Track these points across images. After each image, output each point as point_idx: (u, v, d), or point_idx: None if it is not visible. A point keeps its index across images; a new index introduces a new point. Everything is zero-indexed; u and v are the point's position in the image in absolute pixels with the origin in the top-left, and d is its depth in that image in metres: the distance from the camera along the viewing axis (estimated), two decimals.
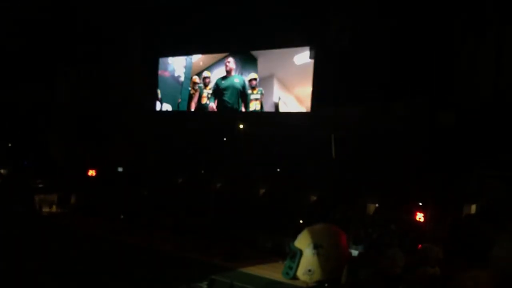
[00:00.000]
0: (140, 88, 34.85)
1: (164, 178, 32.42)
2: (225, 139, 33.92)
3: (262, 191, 29.70)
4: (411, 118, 25.73)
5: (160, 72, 34.24)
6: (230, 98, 31.14)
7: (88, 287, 16.96)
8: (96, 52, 34.03)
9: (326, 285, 17.92)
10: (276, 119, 30.99)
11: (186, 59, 33.37)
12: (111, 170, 32.74)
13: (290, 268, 19.25)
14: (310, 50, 28.37)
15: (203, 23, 31.27)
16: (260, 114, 30.23)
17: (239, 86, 30.80)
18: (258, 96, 30.23)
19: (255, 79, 30.18)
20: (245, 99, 30.52)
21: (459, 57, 24.78)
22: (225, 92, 31.35)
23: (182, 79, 33.51)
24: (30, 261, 19.68)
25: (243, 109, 30.72)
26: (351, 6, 27.40)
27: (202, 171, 31.54)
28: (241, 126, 30.81)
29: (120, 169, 33.44)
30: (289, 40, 28.80)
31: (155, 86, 33.82)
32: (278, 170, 30.29)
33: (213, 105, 31.92)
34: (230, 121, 32.09)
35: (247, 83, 30.45)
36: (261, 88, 30.10)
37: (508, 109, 22.73)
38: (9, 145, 33.82)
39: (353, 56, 26.99)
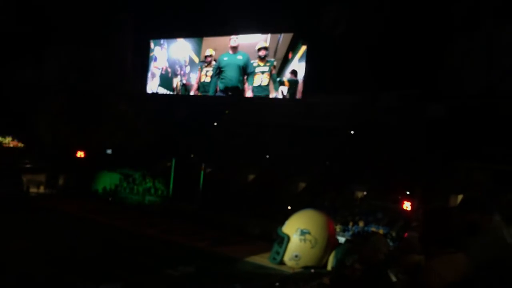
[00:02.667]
0: (130, 71, 34.61)
1: (154, 161, 32.38)
2: (215, 124, 33.89)
3: (251, 177, 29.83)
4: (402, 108, 25.88)
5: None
6: (231, 75, 28.72)
7: (73, 269, 16.91)
8: (86, 32, 33.64)
9: (312, 270, 18.03)
10: (268, 106, 30.98)
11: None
12: (100, 152, 32.59)
13: (277, 253, 19.35)
14: (303, 37, 28.16)
15: (195, 6, 30.95)
16: (251, 100, 29.82)
17: (241, 63, 28.42)
18: (266, 69, 27.39)
19: (264, 47, 27.35)
20: (248, 77, 27.99)
21: (452, 51, 24.87)
22: (225, 69, 28.97)
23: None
24: (17, 241, 19.57)
25: (245, 86, 28.14)
26: None
27: (192, 156, 31.53)
28: (226, 112, 30.72)
29: (109, 151, 33.30)
30: (282, 27, 28.62)
31: (146, 67, 33.53)
32: (268, 156, 30.39)
33: (217, 85, 29.59)
34: (222, 106, 32.01)
35: (250, 59, 27.98)
36: (272, 60, 27.24)
37: (497, 104, 22.92)
38: None
39: (345, 45, 27.00)
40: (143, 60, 33.61)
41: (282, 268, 19.28)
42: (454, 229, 3.02)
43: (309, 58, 27.40)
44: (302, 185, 27.22)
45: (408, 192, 21.57)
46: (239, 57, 28.39)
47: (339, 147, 28.23)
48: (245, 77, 28.20)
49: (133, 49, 35.22)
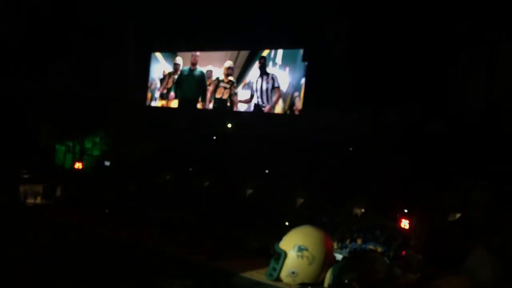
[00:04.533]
0: (132, 82, 34.71)
1: (152, 174, 32.27)
2: (214, 137, 33.88)
3: (249, 191, 29.68)
4: (402, 124, 25.82)
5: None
6: (188, 89, 32.33)
7: (70, 280, 16.75)
8: (89, 43, 33.77)
9: (309, 287, 17.85)
10: (266, 120, 31.04)
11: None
12: (98, 164, 32.53)
13: (274, 269, 19.12)
14: (304, 52, 28.40)
15: (197, 19, 31.19)
16: (249, 113, 30.27)
17: (197, 78, 31.82)
18: (228, 86, 30.84)
19: (230, 67, 30.67)
20: (204, 92, 31.54)
21: (454, 67, 24.86)
22: (183, 82, 32.47)
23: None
24: (14, 250, 19.43)
25: (199, 104, 31.82)
26: (347, 11, 27.45)
27: (190, 169, 31.46)
28: (229, 125, 30.97)
29: (107, 163, 33.23)
30: (283, 41, 28.79)
31: (146, 80, 33.68)
32: (267, 171, 30.30)
33: (172, 94, 33.02)
34: (220, 119, 32.08)
35: (206, 75, 31.39)
36: (233, 80, 30.66)
37: (499, 122, 22.86)
38: None
39: (345, 60, 27.04)
40: (144, 73, 33.80)
41: (279, 284, 19.02)
42: (456, 249, 2.95)
43: (308, 73, 27.54)
44: (301, 200, 27.09)
45: (406, 210, 21.43)
46: (197, 73, 32.00)
47: (339, 163, 28.14)
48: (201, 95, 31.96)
49: (134, 61, 35.39)
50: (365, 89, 25.75)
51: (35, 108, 33.49)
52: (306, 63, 28.32)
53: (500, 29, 23.40)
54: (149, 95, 34.57)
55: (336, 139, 27.97)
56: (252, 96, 31.04)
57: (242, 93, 31.07)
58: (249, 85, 30.73)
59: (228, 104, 31.35)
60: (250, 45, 30.63)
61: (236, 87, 30.99)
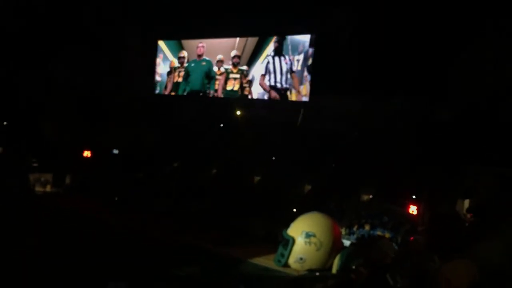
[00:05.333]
0: (139, 70, 34.76)
1: (160, 162, 32.43)
2: (222, 125, 33.95)
3: (256, 178, 29.78)
4: (409, 111, 25.79)
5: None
6: (196, 81, 31.96)
7: (78, 268, 16.97)
8: (94, 32, 33.81)
9: (317, 273, 17.98)
10: (273, 107, 31.05)
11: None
12: (106, 152, 32.70)
13: (282, 255, 19.27)
14: (311, 39, 28.32)
15: (203, 7, 31.11)
16: (257, 101, 30.24)
17: (205, 68, 31.44)
18: (238, 76, 30.21)
19: (238, 56, 30.11)
20: (210, 81, 31.23)
21: (460, 54, 24.73)
22: (191, 74, 32.18)
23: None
24: (25, 239, 19.68)
25: (210, 92, 31.35)
26: None
27: (197, 157, 31.58)
28: (238, 112, 30.96)
29: (115, 151, 33.40)
30: (290, 27, 28.70)
31: (153, 68, 33.72)
32: (274, 158, 30.36)
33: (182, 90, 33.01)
34: (228, 107, 32.13)
35: (214, 65, 30.85)
36: (243, 68, 30.05)
37: (506, 107, 22.78)
38: (4, 123, 33.69)
39: (352, 49, 26.95)
40: (150, 61, 33.82)
41: (287, 270, 19.20)
42: (462, 236, 3.02)
43: (315, 61, 27.49)
44: (308, 187, 27.19)
45: (414, 196, 21.47)
46: (203, 63, 31.59)
47: (346, 150, 28.18)
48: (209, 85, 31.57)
49: (140, 49, 35.38)
50: (372, 77, 25.68)
51: (41, 98, 33.66)
52: (313, 49, 28.20)
53: (505, 18, 23.25)
54: (156, 81, 34.36)
55: (343, 127, 27.99)
56: (264, 75, 30.24)
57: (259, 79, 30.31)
58: (265, 68, 30.00)
59: (239, 93, 31.03)
60: (257, 32, 30.42)
61: (248, 74, 30.81)
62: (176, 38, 33.63)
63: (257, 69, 30.22)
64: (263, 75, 29.81)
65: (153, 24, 33.76)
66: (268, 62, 29.81)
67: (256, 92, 30.41)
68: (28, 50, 32.89)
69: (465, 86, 24.14)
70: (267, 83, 29.96)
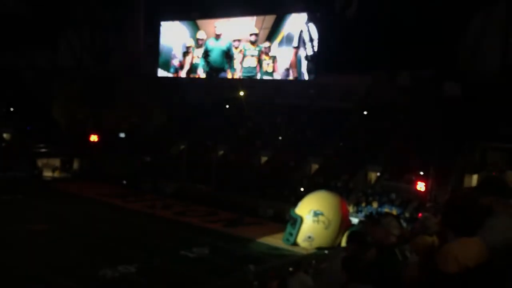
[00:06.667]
0: (142, 53, 34.60)
1: (166, 145, 32.44)
2: (227, 106, 33.83)
3: (264, 159, 29.77)
4: (416, 88, 25.54)
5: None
6: (216, 59, 31.93)
7: (90, 252, 17.15)
8: (99, 16, 33.63)
9: (325, 251, 18.06)
10: (280, 87, 30.85)
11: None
12: (113, 136, 32.69)
13: (291, 234, 19.41)
14: (314, 15, 27.94)
15: None
16: (263, 81, 30.06)
17: (224, 47, 31.57)
18: (256, 53, 30.19)
19: (255, 34, 30.10)
20: (230, 60, 31.25)
21: (467, 30, 24.39)
22: (211, 52, 32.15)
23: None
24: (33, 224, 19.84)
25: (228, 73, 31.45)
26: None
27: (204, 138, 31.53)
28: (241, 93, 30.84)
29: (122, 135, 33.37)
30: (294, 6, 28.37)
31: (157, 50, 33.55)
32: (280, 138, 30.28)
33: (200, 70, 32.76)
34: (234, 89, 32.00)
35: (233, 44, 31.09)
36: (261, 45, 29.94)
37: None
38: (11, 109, 33.74)
39: (359, 25, 26.62)
40: (154, 42, 33.62)
41: (296, 249, 19.35)
42: (475, 214, 2.96)
43: (321, 39, 27.20)
44: (315, 166, 27.13)
45: (422, 173, 21.35)
46: (222, 42, 31.86)
47: (353, 128, 28.05)
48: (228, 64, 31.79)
49: (144, 31, 35.16)
50: (378, 54, 25.37)
51: (47, 83, 33.60)
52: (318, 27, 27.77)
53: None
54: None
55: (350, 105, 27.80)
56: (297, 47, 29.27)
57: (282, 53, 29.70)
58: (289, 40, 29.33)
59: (258, 71, 30.55)
60: (259, 11, 30.11)
61: (270, 50, 30.05)
62: (177, 18, 33.37)
63: (276, 46, 30.05)
64: (296, 47, 29.36)
65: (159, 4, 33.48)
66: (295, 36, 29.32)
67: (283, 67, 29.89)
68: (34, 35, 32.73)
69: (472, 61, 23.85)
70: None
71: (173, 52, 33.85)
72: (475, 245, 2.89)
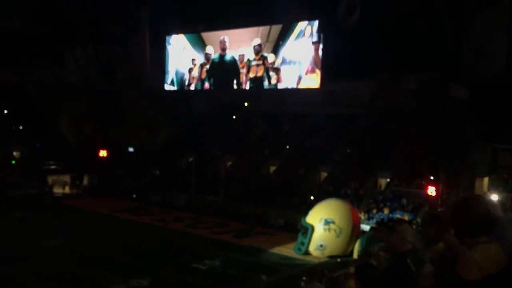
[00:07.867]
0: (149, 67, 34.74)
1: (175, 157, 32.56)
2: (234, 117, 33.92)
3: (272, 168, 29.77)
4: (423, 92, 25.43)
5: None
6: (221, 75, 31.97)
7: (103, 266, 17.16)
8: (104, 31, 33.84)
9: (338, 259, 17.97)
10: (286, 96, 30.88)
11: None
12: (122, 151, 32.85)
13: (302, 243, 19.32)
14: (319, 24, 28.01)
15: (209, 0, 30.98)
16: (269, 90, 30.06)
17: (230, 63, 31.69)
18: (261, 62, 30.23)
19: (259, 44, 30.20)
20: (237, 76, 31.14)
21: (471, 30, 24.30)
22: (216, 70, 32.20)
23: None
24: (45, 240, 19.90)
25: (234, 86, 31.34)
26: None
27: (212, 150, 31.61)
28: (246, 104, 30.93)
29: (131, 149, 33.53)
30: (297, 15, 28.43)
31: (163, 64, 33.69)
32: (288, 147, 30.29)
33: (207, 83, 32.75)
34: (240, 99, 32.07)
35: (238, 59, 31.14)
36: (265, 54, 29.93)
37: None
38: (20, 127, 33.99)
39: (363, 31, 26.63)
40: (160, 56, 33.76)
41: (308, 258, 19.26)
42: (485, 218, 2.91)
43: (325, 46, 27.23)
44: (324, 174, 27.06)
45: (432, 177, 21.21)
46: (228, 58, 32.01)
47: (360, 134, 27.99)
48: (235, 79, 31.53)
49: (150, 45, 35.33)
50: (383, 58, 25.34)
51: (54, 99, 33.80)
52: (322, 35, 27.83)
53: None
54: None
55: (357, 111, 27.77)
56: (318, 42, 28.20)
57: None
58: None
59: (266, 81, 30.63)
60: (264, 21, 30.24)
61: (274, 62, 30.37)
62: (182, 32, 33.55)
63: (283, 55, 29.93)
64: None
65: (164, 18, 33.66)
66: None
67: (287, 78, 29.71)
68: (41, 51, 32.94)
69: (477, 63, 23.72)
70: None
71: (182, 70, 34.07)
72: (494, 251, 2.86)
